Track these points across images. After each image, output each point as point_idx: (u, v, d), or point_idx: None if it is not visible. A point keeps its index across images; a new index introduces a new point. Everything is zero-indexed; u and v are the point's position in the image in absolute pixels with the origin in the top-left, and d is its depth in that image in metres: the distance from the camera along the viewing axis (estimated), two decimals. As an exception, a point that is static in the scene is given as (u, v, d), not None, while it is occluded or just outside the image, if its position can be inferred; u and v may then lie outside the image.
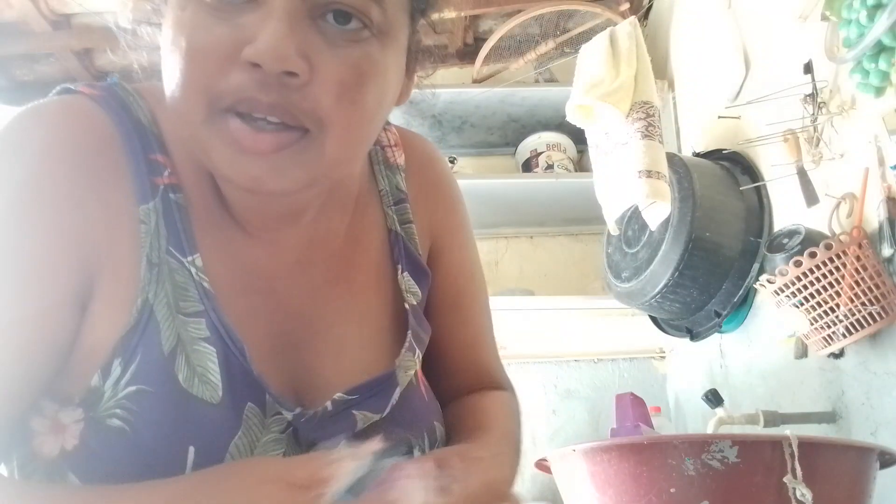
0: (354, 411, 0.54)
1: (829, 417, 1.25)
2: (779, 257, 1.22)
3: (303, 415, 0.52)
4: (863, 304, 1.08)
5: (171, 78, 0.46)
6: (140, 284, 0.48)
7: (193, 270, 0.50)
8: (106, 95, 0.51)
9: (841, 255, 1.09)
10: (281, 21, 0.43)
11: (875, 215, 1.14)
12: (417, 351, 0.61)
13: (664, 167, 1.43)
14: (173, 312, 0.49)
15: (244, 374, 0.50)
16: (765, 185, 1.56)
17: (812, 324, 1.14)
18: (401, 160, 0.66)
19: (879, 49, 1.05)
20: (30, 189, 0.45)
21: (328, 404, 0.54)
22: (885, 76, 1.07)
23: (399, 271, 0.62)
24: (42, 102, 0.51)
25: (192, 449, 0.47)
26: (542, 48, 2.52)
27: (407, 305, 0.62)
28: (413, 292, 0.63)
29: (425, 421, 0.59)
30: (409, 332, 0.60)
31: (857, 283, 1.08)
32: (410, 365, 0.60)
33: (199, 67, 0.44)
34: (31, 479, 0.49)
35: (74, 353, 0.48)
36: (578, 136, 2.12)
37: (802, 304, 1.13)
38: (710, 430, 1.24)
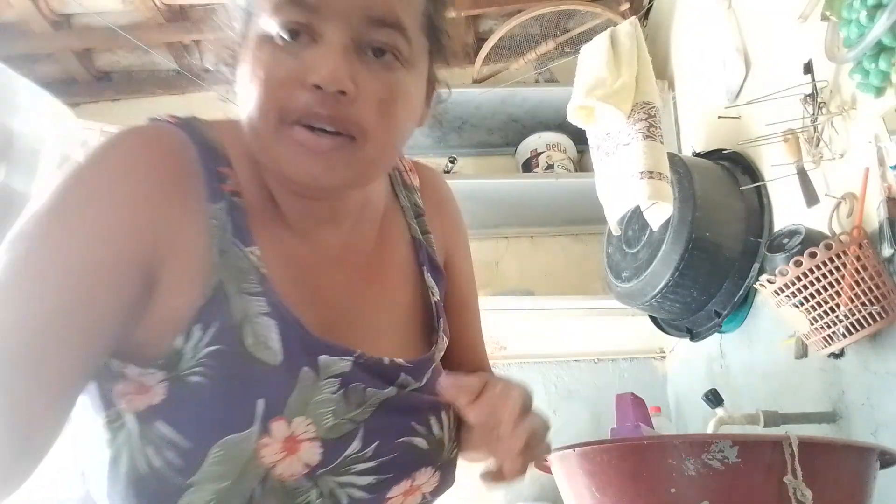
0: (402, 376, 0.67)
1: (829, 417, 1.25)
2: (779, 257, 1.22)
3: (362, 356, 0.63)
4: (863, 304, 1.08)
5: (249, 101, 0.59)
6: (213, 267, 0.58)
7: (254, 258, 0.61)
8: (185, 123, 0.64)
9: (841, 255, 1.09)
10: (336, 54, 0.57)
11: (875, 215, 1.14)
12: (444, 337, 0.74)
13: (666, 168, 1.43)
14: (239, 291, 0.59)
15: (300, 342, 0.60)
16: (765, 185, 1.56)
17: (812, 324, 1.14)
18: (416, 181, 0.80)
19: (879, 49, 1.05)
20: (120, 180, 0.57)
21: (384, 359, 0.65)
22: (885, 76, 1.07)
23: (424, 272, 0.75)
24: (139, 125, 0.62)
25: (260, 402, 0.56)
26: (543, 48, 2.52)
27: (434, 300, 0.75)
28: (434, 290, 0.75)
29: None
30: (441, 319, 0.74)
31: (857, 283, 1.08)
32: (442, 347, 0.74)
33: (274, 91, 0.58)
34: (118, 433, 0.57)
35: (152, 322, 0.57)
36: (579, 136, 2.12)
37: (802, 304, 1.13)
38: (710, 430, 1.24)
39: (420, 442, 0.66)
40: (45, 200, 0.56)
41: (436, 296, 0.75)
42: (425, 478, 0.67)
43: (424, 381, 0.69)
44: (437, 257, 0.78)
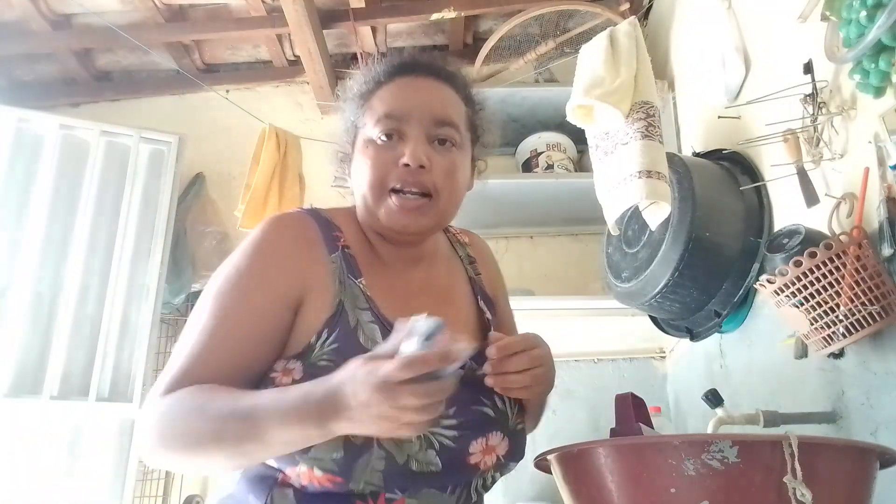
0: (469, 362, 0.86)
1: (829, 417, 1.25)
2: (779, 257, 1.21)
3: None
4: (863, 304, 1.08)
5: (363, 180, 0.94)
6: (335, 293, 0.90)
7: (362, 286, 0.92)
8: (309, 210, 0.98)
9: (841, 255, 1.09)
10: (417, 144, 0.93)
11: (875, 215, 1.14)
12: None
13: (664, 167, 1.43)
14: (354, 307, 0.90)
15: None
16: (765, 185, 1.56)
17: (812, 324, 1.14)
18: (466, 240, 1.14)
19: (879, 49, 1.05)
20: (271, 246, 0.91)
21: None
22: (885, 76, 1.07)
23: (478, 300, 1.06)
24: (279, 214, 0.96)
25: None
26: (542, 48, 2.52)
27: (486, 317, 1.05)
28: (486, 312, 1.05)
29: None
30: (491, 331, 1.01)
31: (857, 283, 1.08)
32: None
33: (380, 172, 0.93)
34: None
35: (297, 331, 0.88)
36: (578, 136, 2.12)
37: (802, 304, 1.13)
38: (710, 430, 1.24)
39: (488, 411, 0.91)
40: (228, 264, 0.90)
41: (487, 314, 1.05)
42: (496, 441, 0.90)
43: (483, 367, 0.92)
44: (486, 291, 1.09)
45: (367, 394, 0.70)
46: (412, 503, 0.85)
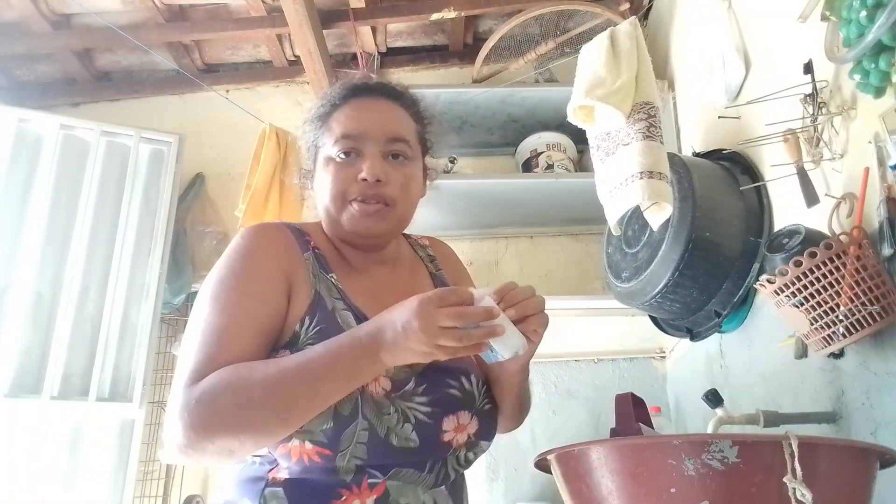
0: None
1: (829, 417, 1.25)
2: (779, 257, 1.21)
3: None
4: (863, 303, 1.08)
5: (326, 194, 1.04)
6: (312, 284, 0.99)
7: (333, 279, 1.02)
8: (281, 223, 1.08)
9: (841, 254, 1.09)
10: (374, 161, 1.02)
11: (875, 215, 1.14)
12: None
13: (666, 168, 1.43)
14: (329, 297, 0.99)
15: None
16: (765, 185, 1.56)
17: (812, 324, 1.14)
18: (426, 242, 1.24)
19: (879, 49, 1.05)
20: (257, 247, 1.00)
21: None
22: (885, 76, 1.07)
23: None
24: (256, 223, 1.08)
25: None
26: (542, 48, 2.52)
27: None
28: None
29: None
30: None
31: (857, 283, 1.08)
32: None
33: (340, 186, 1.03)
34: None
35: (288, 321, 0.96)
36: (578, 136, 2.12)
37: (802, 304, 1.13)
38: (710, 430, 1.24)
39: (455, 392, 0.98)
40: (219, 269, 0.97)
41: None
42: (466, 419, 0.97)
43: None
44: (447, 282, 1.17)
45: (409, 314, 0.81)
46: (393, 484, 0.91)
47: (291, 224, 1.08)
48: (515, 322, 0.86)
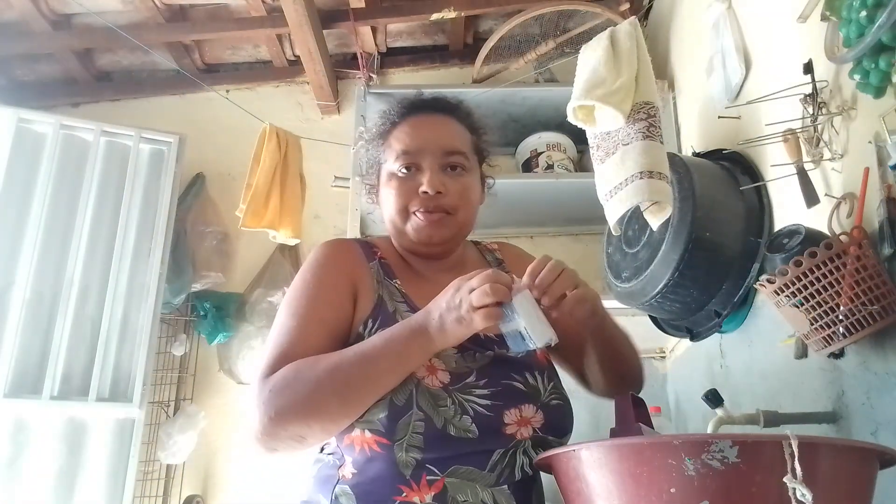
0: (495, 347, 1.06)
1: (829, 417, 1.25)
2: (779, 257, 1.21)
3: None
4: (863, 303, 1.08)
5: (391, 207, 1.13)
6: (375, 290, 1.08)
7: (397, 284, 1.11)
8: (351, 238, 1.21)
9: (841, 254, 1.09)
10: (433, 174, 1.09)
11: (875, 215, 1.14)
12: None
13: (666, 168, 1.43)
14: (391, 300, 1.07)
15: None
16: (765, 185, 1.56)
17: (812, 324, 1.14)
18: (495, 247, 1.31)
19: (879, 49, 1.05)
20: (327, 259, 1.11)
21: (481, 335, 1.04)
22: (886, 76, 1.07)
23: None
24: (330, 239, 1.17)
25: None
26: (542, 48, 2.52)
27: None
28: None
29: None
30: None
31: (857, 282, 1.08)
32: None
33: (403, 199, 1.11)
34: None
35: (353, 324, 1.04)
36: (578, 136, 2.12)
37: (802, 304, 1.13)
38: (709, 430, 1.24)
39: (518, 385, 1.02)
40: (295, 280, 1.08)
41: None
42: (530, 413, 1.01)
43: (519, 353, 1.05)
44: None
45: (448, 293, 0.93)
46: (452, 482, 0.93)
47: (361, 238, 1.21)
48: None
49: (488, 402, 0.97)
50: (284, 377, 0.93)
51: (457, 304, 0.91)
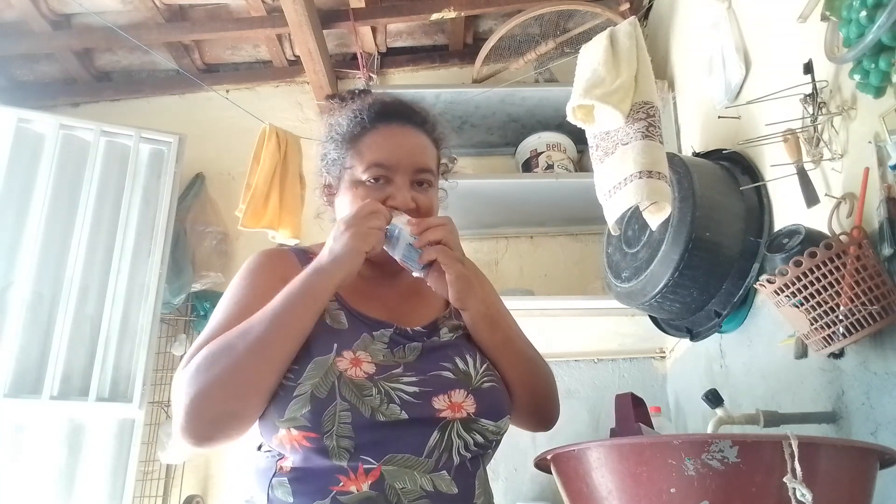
0: (423, 338, 1.08)
1: (829, 417, 1.25)
2: (779, 257, 1.21)
3: (398, 328, 1.06)
4: (863, 303, 1.08)
5: (349, 212, 1.07)
6: None
7: None
8: (290, 247, 1.21)
9: (841, 254, 1.09)
10: (405, 189, 1.09)
11: (875, 215, 1.14)
12: (456, 321, 1.13)
13: (665, 167, 1.43)
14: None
15: (363, 322, 1.05)
16: (765, 185, 1.56)
17: (812, 324, 1.14)
18: None
19: (879, 49, 1.05)
20: (260, 263, 1.12)
21: (409, 329, 1.07)
22: (886, 76, 1.07)
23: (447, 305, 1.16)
24: (267, 248, 1.17)
25: (335, 344, 0.98)
26: (542, 48, 2.52)
27: (449, 309, 1.16)
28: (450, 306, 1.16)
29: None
30: (450, 310, 1.14)
31: (857, 282, 1.08)
32: (451, 326, 1.11)
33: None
34: None
35: None
36: (578, 136, 2.12)
37: (802, 304, 1.13)
38: (709, 430, 1.24)
39: (447, 374, 1.01)
40: (233, 281, 1.09)
41: (449, 307, 1.15)
42: (460, 398, 0.99)
43: (452, 338, 1.09)
44: None
45: (335, 229, 1.01)
46: (388, 469, 0.92)
47: (298, 247, 1.20)
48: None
49: (416, 388, 0.97)
50: (200, 355, 0.94)
51: (341, 233, 0.99)
